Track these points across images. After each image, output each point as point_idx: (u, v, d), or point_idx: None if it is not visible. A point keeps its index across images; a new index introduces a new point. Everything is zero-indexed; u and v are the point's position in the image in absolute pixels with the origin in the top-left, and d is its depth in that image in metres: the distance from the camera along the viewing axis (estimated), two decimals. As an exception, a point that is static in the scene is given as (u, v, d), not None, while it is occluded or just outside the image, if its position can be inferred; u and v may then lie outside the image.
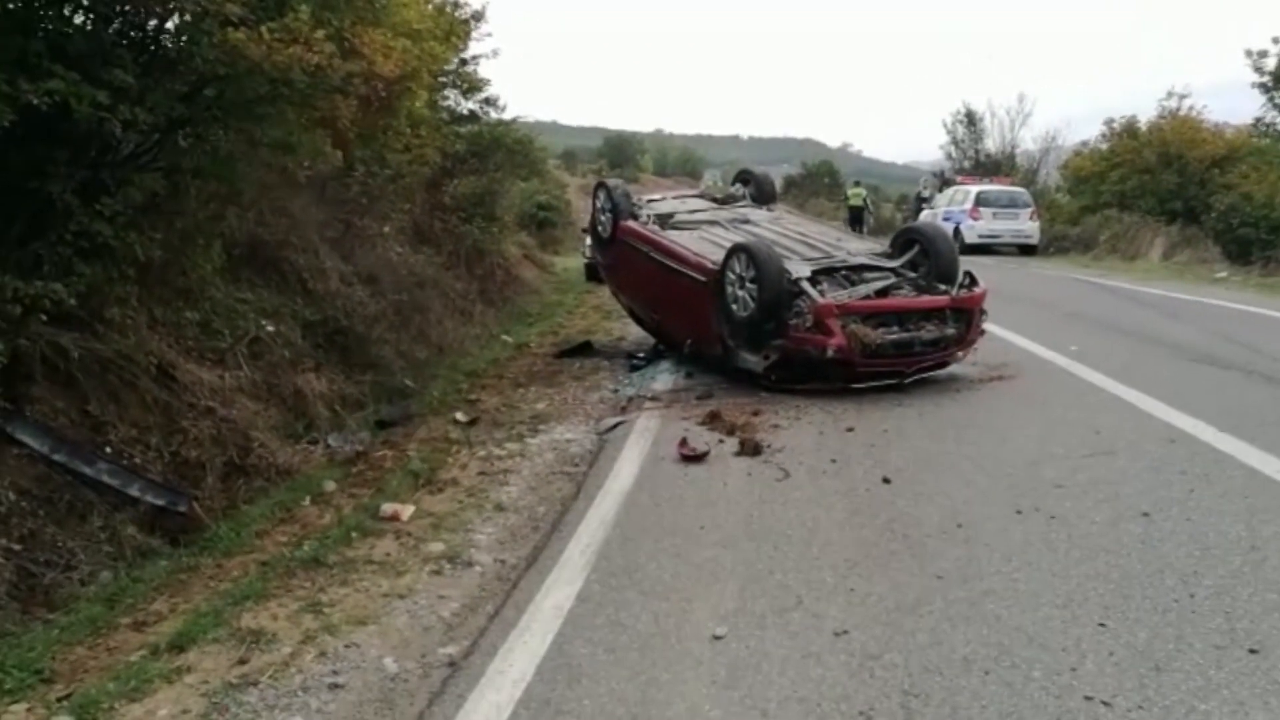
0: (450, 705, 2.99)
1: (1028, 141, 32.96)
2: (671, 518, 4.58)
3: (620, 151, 59.06)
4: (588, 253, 14.75)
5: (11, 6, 4.79)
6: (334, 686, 3.19)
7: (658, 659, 3.15)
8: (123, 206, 5.41)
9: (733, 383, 7.52)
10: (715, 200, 10.33)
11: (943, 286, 7.41)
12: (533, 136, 16.49)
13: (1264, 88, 21.07)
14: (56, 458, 5.06)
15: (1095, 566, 3.68)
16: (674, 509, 4.71)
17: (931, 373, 7.37)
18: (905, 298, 7.31)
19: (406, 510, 4.96)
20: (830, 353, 6.77)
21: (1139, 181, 22.80)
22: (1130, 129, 24.88)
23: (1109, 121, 25.73)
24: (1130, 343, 9.09)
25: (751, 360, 7.34)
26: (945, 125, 34.26)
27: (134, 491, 5.21)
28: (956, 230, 21.41)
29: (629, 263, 8.97)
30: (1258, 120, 22.20)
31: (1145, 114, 24.91)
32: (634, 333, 10.64)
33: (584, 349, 10.17)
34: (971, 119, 33.52)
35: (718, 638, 3.27)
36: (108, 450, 5.37)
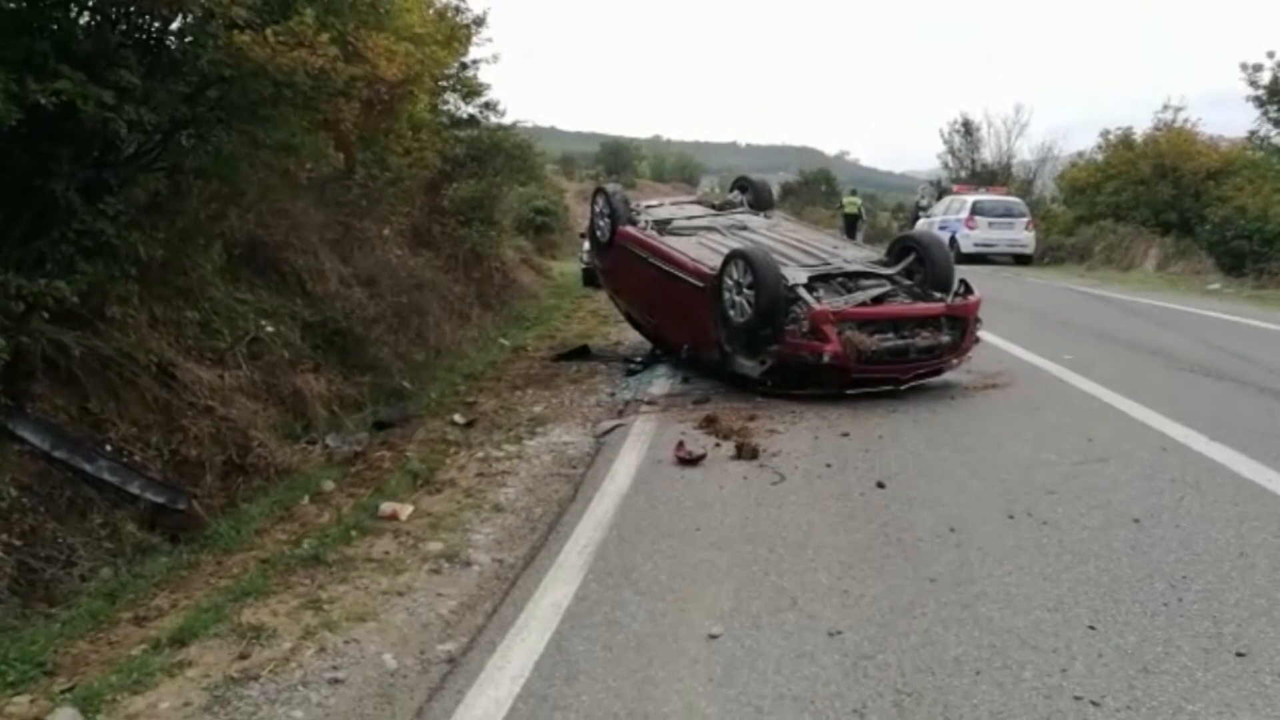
0: (449, 700, 3.03)
1: (1024, 152, 33.15)
2: (668, 519, 4.62)
3: (618, 157, 59.13)
4: (585, 257, 14.82)
5: (15, 6, 4.84)
6: (334, 681, 3.23)
7: (654, 657, 3.19)
8: (125, 206, 5.45)
9: (729, 387, 7.57)
10: (713, 207, 10.38)
11: (938, 294, 7.47)
12: (531, 141, 16.54)
13: (1258, 101, 21.21)
14: (57, 454, 5.08)
15: (1086, 571, 3.73)
16: (670, 511, 4.76)
17: (926, 380, 7.43)
18: (901, 305, 7.37)
19: (405, 510, 5.00)
20: (826, 359, 6.83)
21: (1134, 193, 22.94)
22: (1126, 140, 25.04)
23: (1105, 133, 25.92)
24: (1124, 352, 9.16)
25: (748, 365, 7.40)
26: (942, 135, 34.47)
27: (134, 489, 5.24)
28: (952, 239, 21.52)
29: (627, 267, 9.03)
30: (1252, 134, 22.35)
31: (1142, 123, 25.10)
32: (631, 337, 10.69)
33: (581, 353, 10.22)
34: (968, 129, 33.71)
35: (713, 637, 3.31)
36: (108, 448, 5.39)
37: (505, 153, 14.55)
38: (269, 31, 5.15)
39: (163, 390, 6.01)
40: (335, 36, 5.68)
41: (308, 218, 8.88)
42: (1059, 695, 2.81)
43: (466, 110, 14.12)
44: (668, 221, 9.20)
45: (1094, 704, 2.75)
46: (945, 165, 34.55)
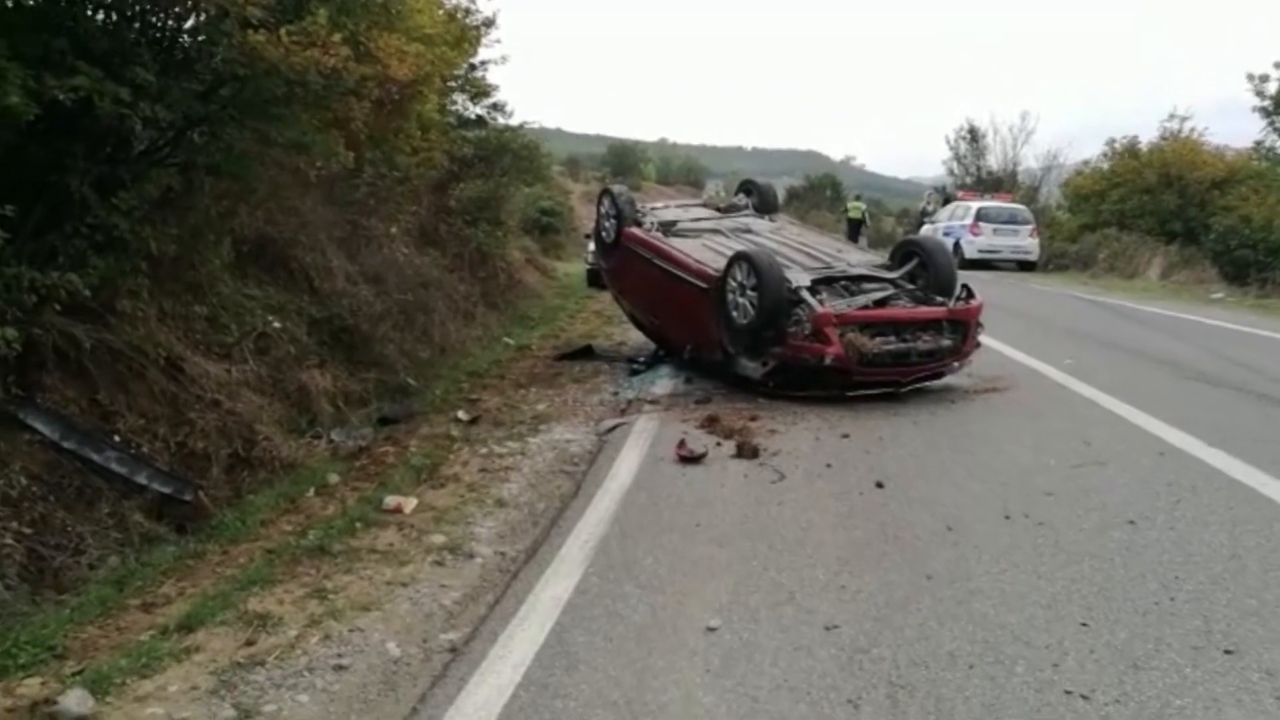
0: (452, 687, 3.10)
1: (1030, 159, 33.16)
2: (669, 516, 4.68)
3: (624, 159, 59.16)
4: (590, 258, 14.89)
5: (34, 4, 4.92)
6: (338, 668, 3.29)
7: (653, 648, 3.25)
8: (138, 201, 5.52)
9: (731, 388, 7.63)
10: (718, 209, 10.44)
11: (940, 298, 7.52)
12: (538, 143, 16.62)
13: (1264, 111, 21.29)
14: (67, 445, 5.15)
15: (1080, 570, 3.78)
16: (671, 508, 4.82)
17: (927, 383, 7.48)
18: (903, 309, 7.42)
19: (409, 503, 5.06)
20: (828, 361, 6.89)
21: (1139, 201, 22.97)
22: (1131, 149, 25.10)
23: (1110, 141, 26.00)
24: (1125, 359, 9.20)
25: (750, 367, 7.45)
26: (948, 141, 34.49)
27: (141, 479, 5.31)
28: (957, 245, 21.55)
29: (632, 268, 9.09)
30: (1258, 144, 22.42)
31: (1148, 131, 25.17)
32: (635, 338, 10.76)
33: (585, 353, 10.28)
34: (974, 135, 33.71)
35: (712, 629, 3.37)
36: (116, 439, 5.46)
37: (512, 153, 14.61)
38: (283, 31, 5.22)
39: (170, 383, 6.08)
40: (347, 36, 5.75)
41: (316, 215, 8.96)
42: (1050, 689, 2.86)
43: (474, 111, 14.23)
44: (673, 223, 9.26)
45: (1084, 698, 2.80)
46: (951, 171, 34.58)
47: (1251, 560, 3.85)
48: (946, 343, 7.31)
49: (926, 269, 7.79)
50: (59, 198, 5.19)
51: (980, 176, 32.78)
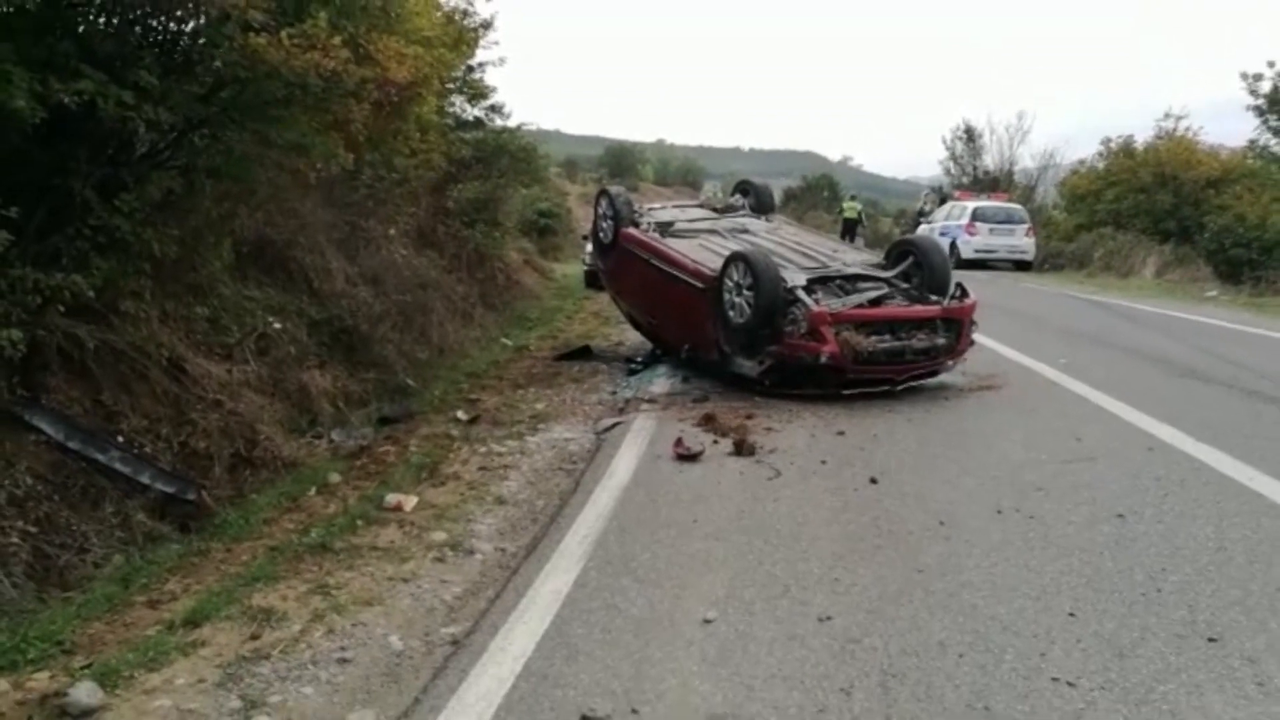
0: (454, 678, 3.16)
1: (1026, 159, 33.30)
2: (666, 512, 4.75)
3: (621, 161, 59.25)
4: (588, 259, 14.95)
5: (35, 10, 4.98)
6: (342, 661, 3.36)
7: (651, 639, 3.32)
8: (140, 203, 5.58)
9: (728, 387, 7.70)
10: (715, 210, 10.51)
11: (934, 297, 7.60)
12: (535, 144, 16.69)
13: (1258, 110, 21.39)
14: (71, 445, 5.22)
15: (1069, 563, 3.86)
16: (669, 504, 4.88)
17: (922, 381, 7.56)
18: (898, 307, 7.50)
19: (410, 501, 5.13)
20: (823, 359, 6.96)
21: (1134, 201, 23.10)
22: (1127, 148, 25.20)
23: (1106, 140, 26.10)
24: (1118, 357, 9.28)
25: (747, 365, 7.52)
26: (945, 141, 34.62)
27: (145, 479, 5.37)
28: (953, 245, 21.66)
29: (629, 268, 9.16)
30: (1252, 142, 22.52)
31: (1144, 131, 25.27)
32: (632, 338, 10.82)
33: (583, 353, 10.35)
34: (971, 135, 33.86)
35: (708, 621, 3.44)
36: (120, 439, 5.52)
37: (510, 155, 14.69)
38: (283, 34, 5.28)
39: (173, 384, 6.15)
40: (347, 39, 5.81)
41: (315, 217, 9.03)
42: (1037, 676, 2.93)
43: (472, 113, 14.30)
44: (670, 224, 9.33)
45: (1070, 684, 2.88)
46: (948, 171, 34.72)
47: (1237, 552, 3.92)
48: (941, 341, 7.39)
49: (921, 268, 7.86)
50: (62, 200, 5.25)
51: (977, 176, 32.91)
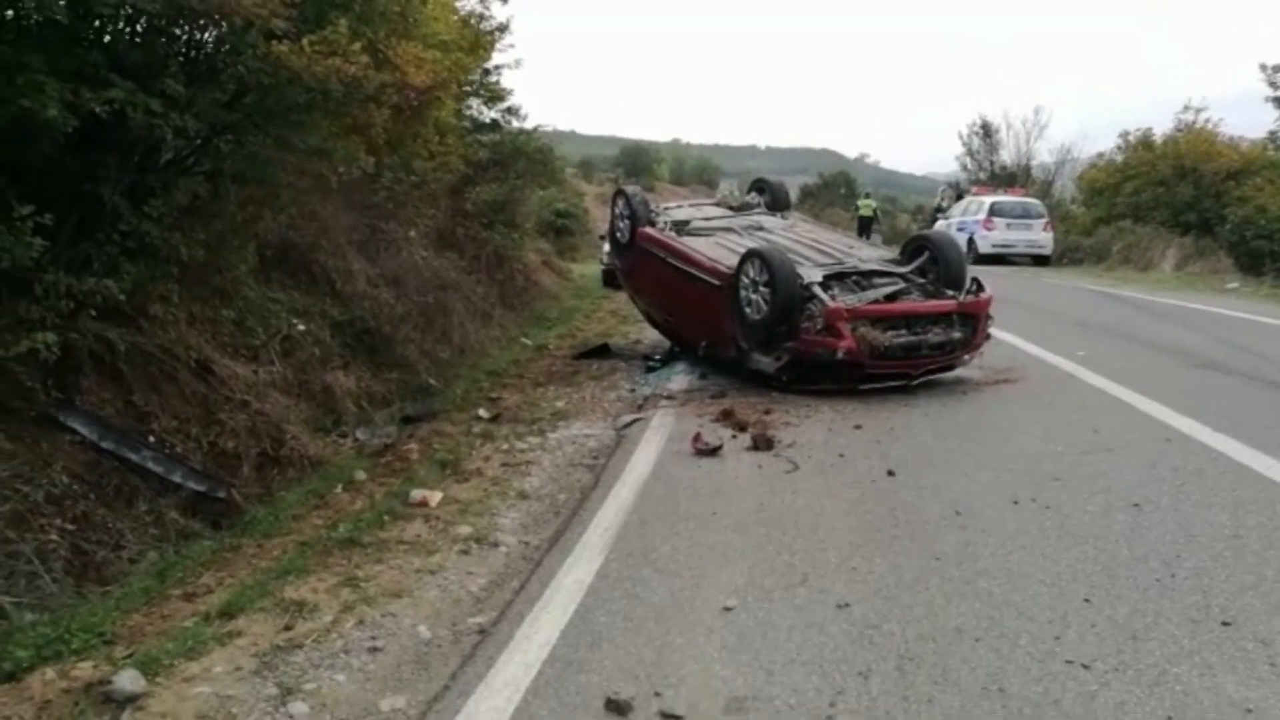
0: (481, 665, 3.25)
1: (1043, 154, 33.14)
2: (685, 505, 4.82)
3: (637, 160, 59.42)
4: (605, 258, 15.06)
5: (60, 19, 5.11)
6: (373, 650, 3.46)
7: (672, 627, 3.40)
8: (167, 208, 5.72)
9: (746, 383, 7.76)
10: (731, 208, 10.57)
11: (950, 292, 7.62)
12: (552, 145, 16.82)
13: (1278, 102, 21.19)
14: (105, 445, 5.36)
15: (1084, 550, 3.90)
16: (688, 497, 4.96)
17: (938, 375, 7.59)
18: (914, 302, 7.53)
19: (435, 496, 5.23)
20: (840, 355, 7.01)
21: (1153, 194, 22.94)
22: (1146, 141, 25.04)
23: (1124, 134, 25.96)
24: (1137, 349, 9.27)
25: (764, 362, 7.58)
26: (961, 137, 34.50)
27: (176, 478, 5.52)
28: (971, 240, 21.62)
29: (646, 267, 9.23)
30: (1273, 134, 22.32)
31: (1162, 126, 25.10)
32: (650, 336, 10.91)
33: (601, 351, 10.45)
34: (987, 131, 33.72)
35: (728, 609, 3.51)
36: (151, 439, 5.67)
37: (526, 157, 14.83)
38: (305, 41, 5.40)
39: (201, 385, 6.29)
40: (367, 45, 5.94)
41: (336, 220, 9.17)
42: (1052, 659, 2.99)
43: (489, 115, 14.46)
44: (686, 222, 9.40)
45: (1084, 667, 2.93)
46: (965, 167, 34.60)
47: (1252, 539, 3.96)
48: (957, 335, 7.42)
49: (937, 263, 7.89)
50: (92, 207, 5.40)
51: (994, 171, 32.79)
